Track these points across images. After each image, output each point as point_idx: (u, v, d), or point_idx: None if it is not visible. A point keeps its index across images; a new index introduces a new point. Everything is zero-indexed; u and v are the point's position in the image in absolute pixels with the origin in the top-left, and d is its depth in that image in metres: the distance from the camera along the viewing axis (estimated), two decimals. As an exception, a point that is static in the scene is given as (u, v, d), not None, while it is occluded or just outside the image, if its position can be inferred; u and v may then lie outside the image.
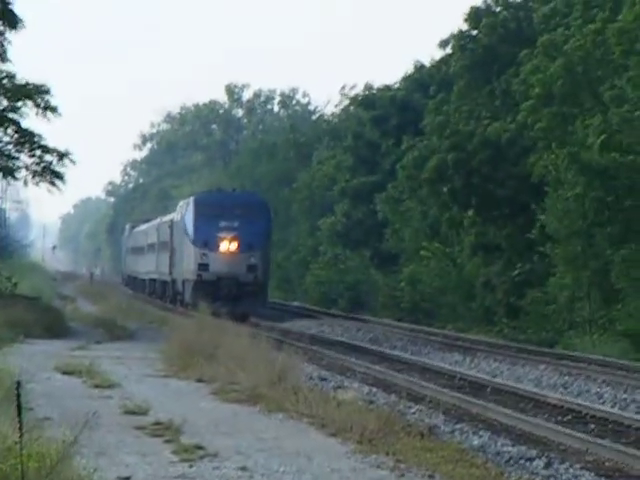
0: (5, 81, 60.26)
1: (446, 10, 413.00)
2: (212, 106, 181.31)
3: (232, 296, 60.65)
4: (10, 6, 58.76)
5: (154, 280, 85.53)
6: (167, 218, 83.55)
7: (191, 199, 70.98)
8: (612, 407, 32.83)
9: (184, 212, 69.44)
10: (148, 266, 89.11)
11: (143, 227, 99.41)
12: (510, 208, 66.03)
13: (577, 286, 57.09)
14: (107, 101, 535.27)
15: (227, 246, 62.66)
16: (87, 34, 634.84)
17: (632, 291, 53.93)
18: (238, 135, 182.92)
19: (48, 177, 60.66)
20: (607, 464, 23.46)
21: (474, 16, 74.55)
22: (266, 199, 78.58)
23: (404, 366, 42.86)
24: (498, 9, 75.87)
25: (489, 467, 20.75)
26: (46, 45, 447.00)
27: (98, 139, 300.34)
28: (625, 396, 35.71)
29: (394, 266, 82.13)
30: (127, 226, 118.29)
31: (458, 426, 27.43)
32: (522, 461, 23.36)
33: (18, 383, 16.53)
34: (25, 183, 63.52)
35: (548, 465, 23.27)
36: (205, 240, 63.08)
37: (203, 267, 62.49)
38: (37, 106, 58.67)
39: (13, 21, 58.40)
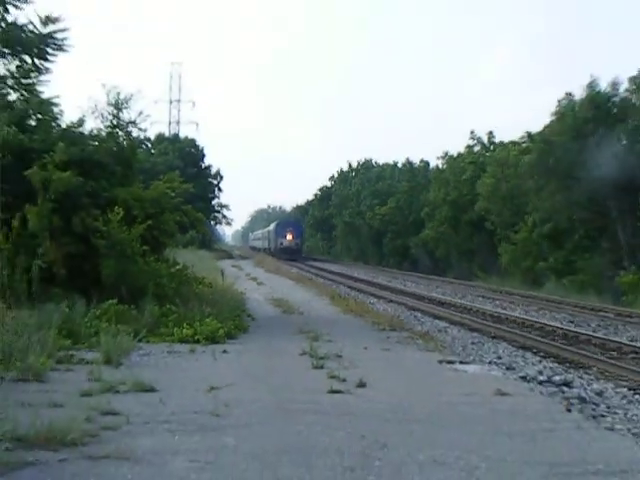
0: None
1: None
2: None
3: (289, 253, 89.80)
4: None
5: (261, 248, 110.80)
6: (266, 229, 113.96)
7: (275, 222, 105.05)
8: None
9: (274, 226, 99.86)
10: (259, 244, 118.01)
11: (257, 232, 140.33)
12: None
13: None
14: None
15: (289, 237, 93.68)
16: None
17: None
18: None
19: (226, 220, 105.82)
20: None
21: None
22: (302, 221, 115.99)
23: (346, 279, 51.53)
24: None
25: (359, 303, 30.28)
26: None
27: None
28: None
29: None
30: (250, 233, 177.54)
31: (354, 292, 38.95)
32: (371, 299, 35.15)
33: (222, 270, 37.89)
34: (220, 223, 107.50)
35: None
36: (282, 235, 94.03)
37: (280, 243, 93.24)
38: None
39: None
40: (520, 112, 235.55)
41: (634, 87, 45.92)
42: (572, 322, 27.26)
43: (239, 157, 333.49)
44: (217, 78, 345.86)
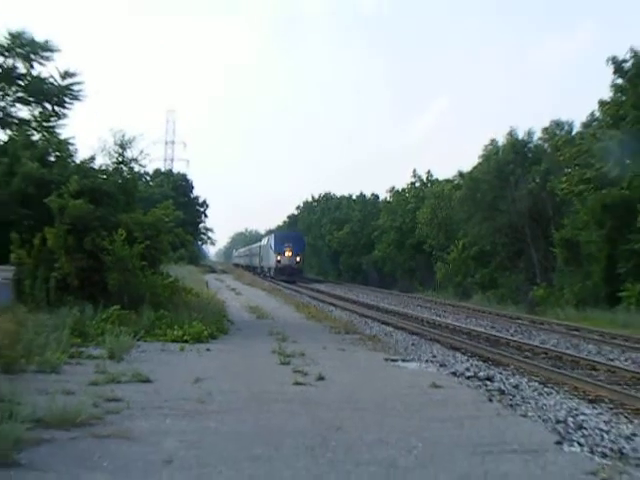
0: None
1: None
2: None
3: (288, 273, 66.03)
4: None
5: (248, 266, 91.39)
6: (256, 245, 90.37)
7: (273, 234, 76.22)
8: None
9: (270, 239, 72.50)
10: (246, 261, 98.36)
11: (241, 249, 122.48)
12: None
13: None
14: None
15: (288, 253, 67.27)
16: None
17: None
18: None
19: (210, 241, 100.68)
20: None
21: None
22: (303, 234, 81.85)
23: (309, 290, 56.53)
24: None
25: (319, 310, 31.36)
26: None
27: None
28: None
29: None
30: (234, 250, 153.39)
31: (315, 302, 38.10)
32: (330, 307, 35.11)
33: (206, 281, 38.48)
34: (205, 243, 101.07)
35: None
36: (279, 251, 67.41)
37: (278, 262, 67.25)
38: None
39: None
40: (456, 154, 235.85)
41: (546, 136, 46.49)
42: (494, 328, 27.30)
43: (222, 186, 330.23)
44: (204, 121, 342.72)
